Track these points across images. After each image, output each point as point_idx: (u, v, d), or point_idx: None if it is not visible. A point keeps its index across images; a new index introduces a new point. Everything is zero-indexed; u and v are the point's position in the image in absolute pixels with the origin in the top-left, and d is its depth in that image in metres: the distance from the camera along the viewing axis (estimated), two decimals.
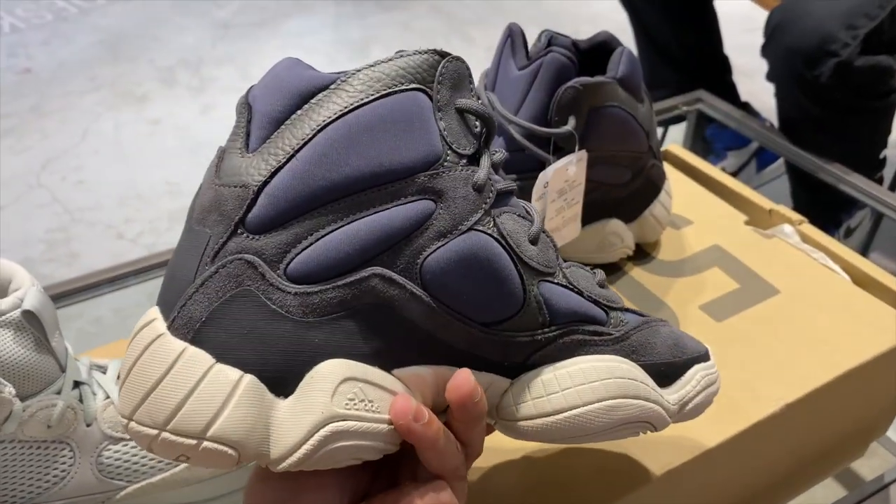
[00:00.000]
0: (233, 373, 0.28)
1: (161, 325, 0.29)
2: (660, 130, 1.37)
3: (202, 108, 1.74)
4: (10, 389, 0.35)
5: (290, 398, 0.29)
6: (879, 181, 1.09)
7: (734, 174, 1.31)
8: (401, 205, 0.30)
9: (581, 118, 0.50)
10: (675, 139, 1.27)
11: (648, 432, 0.38)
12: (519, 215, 0.34)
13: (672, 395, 0.37)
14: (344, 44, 2.02)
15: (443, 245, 0.31)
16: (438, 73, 0.32)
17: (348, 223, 0.30)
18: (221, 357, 0.28)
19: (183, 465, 0.40)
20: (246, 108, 0.32)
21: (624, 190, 0.56)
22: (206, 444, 0.27)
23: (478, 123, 0.33)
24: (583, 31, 2.01)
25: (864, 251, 1.13)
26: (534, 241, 0.34)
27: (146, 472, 0.40)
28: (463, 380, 0.31)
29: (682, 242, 0.62)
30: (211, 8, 2.21)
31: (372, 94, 0.31)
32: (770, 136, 0.99)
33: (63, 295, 0.71)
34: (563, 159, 0.49)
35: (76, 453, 0.38)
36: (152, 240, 1.35)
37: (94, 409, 0.39)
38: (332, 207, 0.30)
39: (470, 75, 0.33)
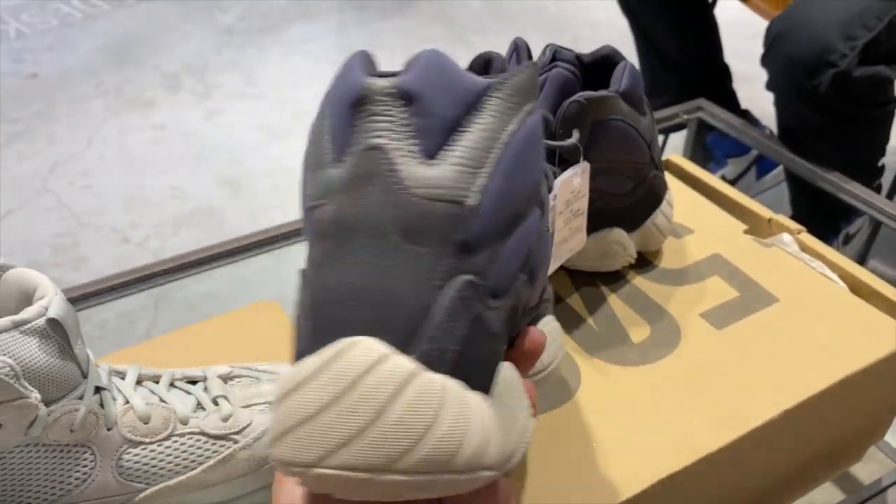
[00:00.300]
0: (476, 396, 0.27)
1: (405, 360, 0.25)
2: (661, 138, 1.38)
3: (207, 113, 1.76)
4: (35, 395, 0.36)
5: (491, 403, 0.27)
6: (878, 189, 1.10)
7: (734, 181, 1.33)
8: (527, 215, 0.31)
9: (585, 131, 0.51)
10: (675, 146, 1.28)
11: None
12: None
13: None
14: (347, 50, 2.03)
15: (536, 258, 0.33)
16: (535, 101, 0.32)
17: (511, 236, 0.30)
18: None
19: (200, 468, 0.42)
20: (400, 101, 0.28)
21: (626, 200, 0.57)
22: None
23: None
24: (584, 37, 2.04)
25: (862, 258, 1.15)
26: None
27: (164, 474, 0.41)
28: (539, 334, 0.33)
29: (683, 251, 0.63)
30: (215, 14, 2.23)
31: (526, 109, 0.30)
32: (769, 145, 1.00)
33: (69, 301, 0.73)
34: (569, 171, 0.50)
35: (97, 456, 0.40)
36: (158, 244, 1.36)
37: (115, 414, 0.40)
38: (509, 209, 0.29)
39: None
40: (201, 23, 2.18)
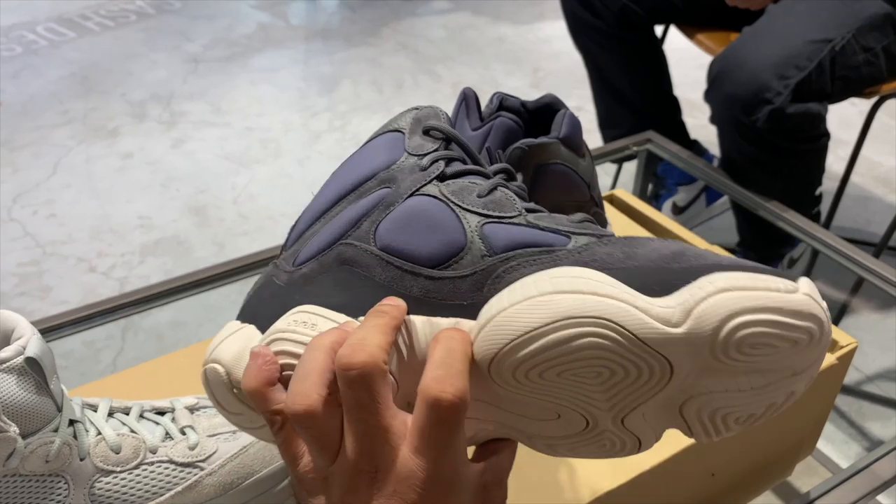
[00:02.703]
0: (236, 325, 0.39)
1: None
2: (614, 167, 1.44)
3: (173, 142, 1.78)
4: (14, 429, 0.39)
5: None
6: (817, 216, 1.16)
7: (685, 208, 1.39)
8: (364, 196, 0.38)
9: (528, 174, 0.55)
10: (629, 173, 1.34)
11: (620, 340, 0.30)
12: (475, 183, 0.39)
13: (665, 300, 0.30)
14: (314, 79, 2.08)
15: (391, 210, 0.37)
16: (412, 116, 0.41)
17: (330, 221, 0.39)
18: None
19: (169, 494, 0.45)
20: None
21: None
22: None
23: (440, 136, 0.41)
24: (544, 68, 2.11)
25: None
26: (483, 195, 0.38)
27: (135, 501, 0.44)
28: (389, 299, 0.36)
29: None
30: (182, 42, 2.25)
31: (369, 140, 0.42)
32: (714, 175, 1.06)
33: None
34: None
35: (70, 485, 0.42)
36: (124, 273, 1.38)
37: (87, 445, 0.43)
38: (325, 217, 0.39)
39: (441, 112, 0.42)
40: (168, 51, 2.20)
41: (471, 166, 0.41)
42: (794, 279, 0.31)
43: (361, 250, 0.37)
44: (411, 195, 0.37)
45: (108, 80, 2.04)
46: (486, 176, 0.41)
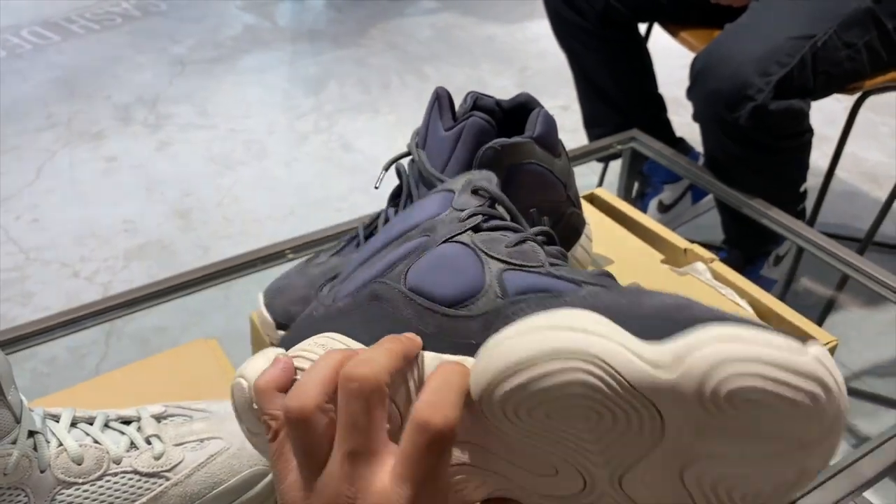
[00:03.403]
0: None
1: None
2: (600, 166, 1.44)
3: (159, 144, 1.77)
4: None
5: None
6: (802, 213, 1.16)
7: (671, 206, 1.38)
8: (405, 243, 0.41)
9: (501, 174, 0.54)
10: (616, 171, 1.33)
11: (608, 380, 0.29)
12: (506, 236, 0.40)
13: (659, 345, 0.29)
14: (300, 80, 2.07)
15: (424, 254, 0.39)
16: (465, 179, 0.44)
17: (372, 263, 0.41)
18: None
19: None
20: None
21: None
22: None
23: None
24: (532, 67, 2.10)
25: (790, 278, 1.21)
26: (510, 245, 0.39)
27: None
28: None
29: None
30: (167, 45, 2.24)
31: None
32: (698, 174, 1.06)
33: (18, 339, 0.73)
34: None
35: (31, 498, 0.41)
36: (108, 278, 1.37)
37: (48, 457, 0.42)
38: (369, 261, 0.42)
39: (493, 177, 0.45)
40: (153, 53, 2.19)
41: (507, 222, 0.42)
42: (805, 342, 0.28)
43: (391, 288, 0.39)
44: (444, 241, 0.40)
45: (93, 84, 2.03)
46: (520, 232, 0.42)
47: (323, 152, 1.73)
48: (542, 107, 0.60)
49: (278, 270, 0.85)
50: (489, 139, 0.54)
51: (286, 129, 1.83)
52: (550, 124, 0.58)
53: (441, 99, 0.58)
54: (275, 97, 1.98)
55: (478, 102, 0.59)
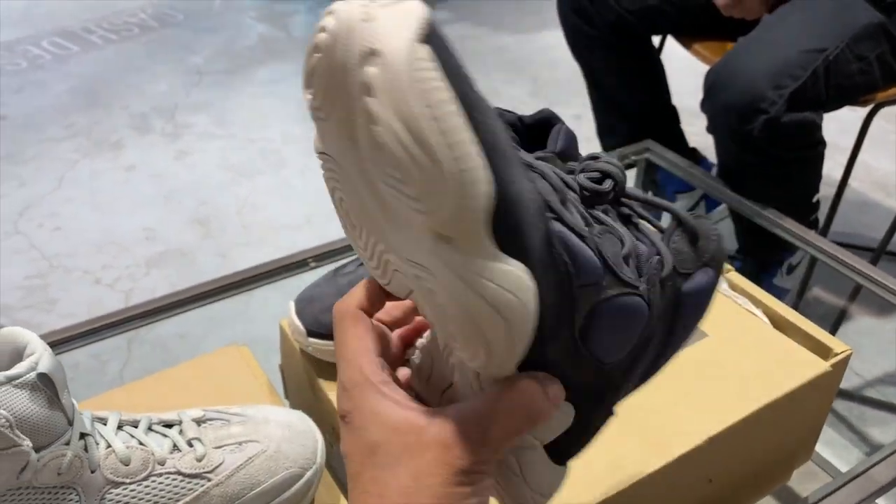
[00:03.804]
0: None
1: None
2: None
3: (177, 154, 1.79)
4: (27, 443, 0.40)
5: None
6: (815, 222, 1.17)
7: None
8: None
9: None
10: (629, 181, 1.35)
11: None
12: None
13: None
14: None
15: None
16: None
17: None
18: None
19: None
20: None
21: None
22: None
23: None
24: (544, 77, 2.12)
25: (803, 287, 1.22)
26: None
27: None
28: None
29: None
30: (184, 55, 2.27)
31: None
32: (711, 184, 1.07)
33: None
34: None
35: (82, 497, 0.44)
36: (129, 285, 1.39)
37: (98, 457, 0.44)
38: None
39: None
40: (171, 64, 2.22)
41: None
42: None
43: None
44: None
45: (112, 93, 2.06)
46: None
47: None
48: (564, 122, 0.62)
49: (300, 279, 0.87)
50: None
51: (302, 138, 1.85)
52: (572, 139, 0.60)
53: None
54: (290, 107, 2.00)
55: (501, 117, 0.61)
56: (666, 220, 0.39)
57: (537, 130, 0.62)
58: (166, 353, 1.24)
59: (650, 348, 0.37)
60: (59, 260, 1.46)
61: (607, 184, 0.38)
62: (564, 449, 0.38)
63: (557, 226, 0.32)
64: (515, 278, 0.30)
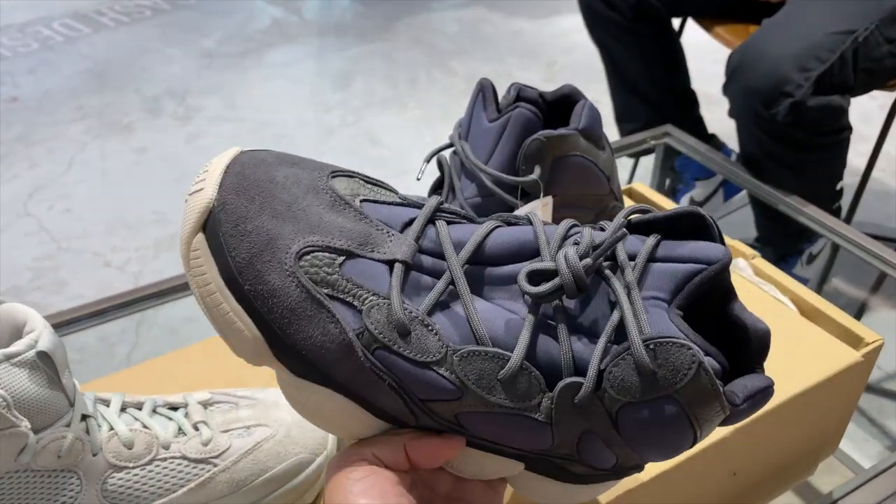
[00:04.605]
0: None
1: None
2: (630, 161, 1.43)
3: (188, 136, 1.78)
4: (25, 423, 0.39)
5: None
6: (837, 211, 1.14)
7: (702, 203, 1.37)
8: None
9: (546, 167, 0.54)
10: (646, 167, 1.32)
11: None
12: None
13: None
14: (327, 75, 2.07)
15: None
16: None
17: None
18: None
19: (182, 491, 0.44)
20: None
21: None
22: None
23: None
24: (559, 62, 2.09)
25: (825, 276, 1.19)
26: None
27: (147, 497, 0.43)
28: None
29: None
30: (196, 38, 2.25)
31: None
32: (732, 170, 1.05)
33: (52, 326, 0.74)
34: (529, 204, 0.53)
35: (83, 481, 0.42)
36: (139, 268, 1.38)
37: (100, 440, 0.43)
38: None
39: None
40: (182, 46, 2.20)
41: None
42: None
43: None
44: None
45: (123, 76, 2.04)
46: None
47: (350, 146, 1.74)
48: (587, 99, 0.59)
49: None
50: (535, 131, 0.54)
51: (314, 123, 1.83)
52: (595, 117, 0.58)
53: (485, 90, 0.57)
54: (302, 91, 1.98)
55: (521, 94, 0.59)
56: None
57: (560, 107, 0.60)
58: (174, 336, 1.22)
59: (596, 442, 0.34)
60: (68, 242, 1.45)
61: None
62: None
63: (382, 354, 0.33)
64: (320, 399, 0.33)
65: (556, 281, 0.32)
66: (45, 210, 1.53)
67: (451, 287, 0.33)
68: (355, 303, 0.32)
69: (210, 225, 0.34)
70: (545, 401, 0.32)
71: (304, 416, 0.35)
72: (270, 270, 0.32)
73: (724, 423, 0.35)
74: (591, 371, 0.31)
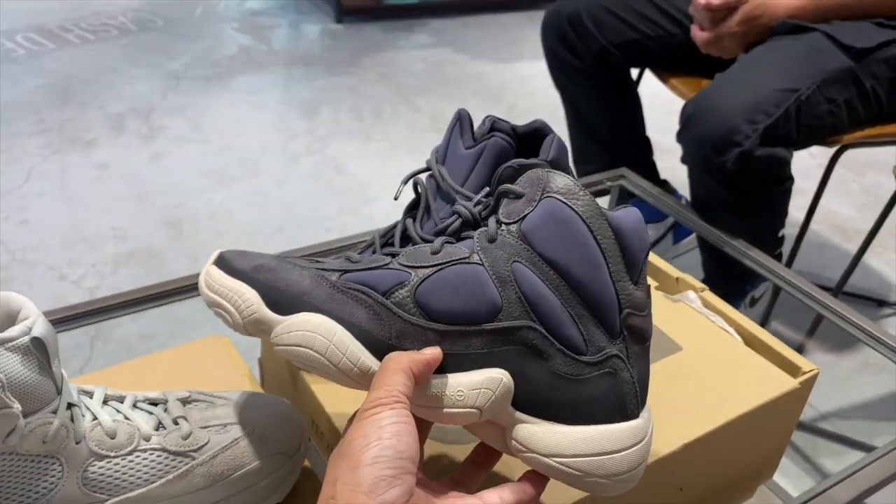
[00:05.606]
0: None
1: None
2: None
3: (151, 155, 1.78)
4: (17, 406, 0.40)
5: None
6: (779, 257, 1.21)
7: (653, 245, 1.43)
8: None
9: None
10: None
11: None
12: None
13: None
14: (294, 103, 2.10)
15: None
16: None
17: None
18: None
19: (160, 482, 0.46)
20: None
21: None
22: None
23: None
24: (520, 105, 2.16)
25: (765, 319, 1.25)
26: None
27: (127, 486, 0.45)
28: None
29: None
30: (163, 60, 2.26)
31: None
32: (683, 212, 1.11)
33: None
34: None
35: (65, 467, 0.43)
36: (96, 282, 1.37)
37: (84, 429, 0.44)
38: None
39: None
40: (148, 67, 2.21)
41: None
42: None
43: None
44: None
45: (87, 92, 2.04)
46: None
47: (315, 173, 1.76)
48: (556, 133, 0.64)
49: None
50: (508, 159, 0.58)
51: (279, 148, 1.86)
52: (563, 150, 0.62)
53: (462, 120, 0.61)
54: (268, 118, 2.00)
55: (495, 125, 0.63)
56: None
57: (530, 140, 0.65)
58: (130, 352, 1.22)
59: (536, 284, 0.45)
60: (23, 254, 1.43)
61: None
62: (555, 412, 0.43)
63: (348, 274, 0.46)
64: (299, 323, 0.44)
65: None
66: (0, 220, 1.51)
67: None
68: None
69: (220, 262, 0.49)
70: (474, 254, 0.46)
71: (293, 359, 0.43)
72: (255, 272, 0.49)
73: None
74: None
